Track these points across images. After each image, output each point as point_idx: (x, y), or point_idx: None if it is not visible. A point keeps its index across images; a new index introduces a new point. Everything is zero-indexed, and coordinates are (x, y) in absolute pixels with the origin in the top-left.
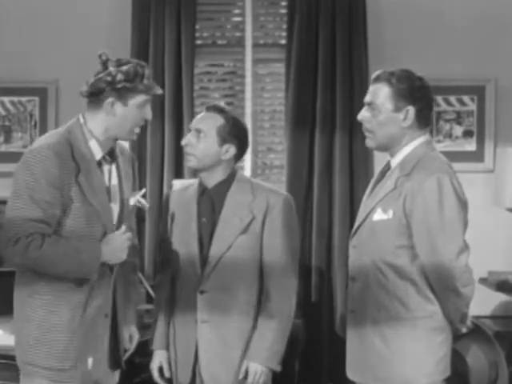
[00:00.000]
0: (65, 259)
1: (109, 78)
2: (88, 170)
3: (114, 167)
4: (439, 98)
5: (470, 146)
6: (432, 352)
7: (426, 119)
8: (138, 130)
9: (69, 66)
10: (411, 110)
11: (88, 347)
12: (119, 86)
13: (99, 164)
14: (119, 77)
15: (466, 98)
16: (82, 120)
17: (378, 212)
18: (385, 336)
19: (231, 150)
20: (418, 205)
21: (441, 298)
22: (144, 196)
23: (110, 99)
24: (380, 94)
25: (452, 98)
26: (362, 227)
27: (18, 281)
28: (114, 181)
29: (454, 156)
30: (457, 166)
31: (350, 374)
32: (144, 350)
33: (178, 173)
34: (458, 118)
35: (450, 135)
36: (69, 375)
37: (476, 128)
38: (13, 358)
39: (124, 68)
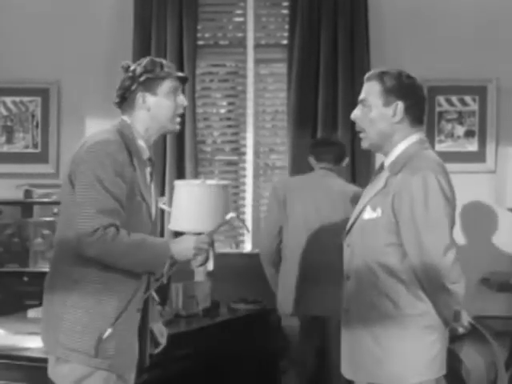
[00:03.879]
0: (137, 252)
1: (130, 74)
2: (142, 170)
3: (149, 168)
4: (441, 98)
5: (472, 146)
6: (423, 351)
7: (416, 117)
8: (178, 120)
9: (70, 66)
10: (400, 104)
11: (125, 340)
12: (142, 78)
13: (144, 163)
14: (139, 70)
15: (467, 98)
16: (128, 120)
17: (367, 211)
18: (376, 334)
19: None
20: (404, 203)
21: (430, 295)
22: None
23: (139, 93)
24: (371, 91)
25: (454, 98)
26: (354, 226)
27: (61, 265)
28: (150, 182)
29: (455, 156)
30: (458, 166)
31: (345, 372)
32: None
33: (180, 173)
34: (460, 118)
35: (451, 135)
36: (108, 363)
37: (478, 128)
38: (14, 357)
39: (142, 62)
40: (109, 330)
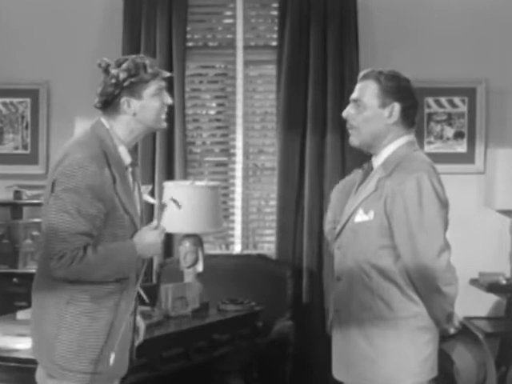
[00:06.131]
0: (105, 264)
1: (114, 81)
2: (122, 178)
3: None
4: (430, 100)
5: (461, 147)
6: (416, 352)
7: (410, 120)
8: (164, 117)
9: (60, 67)
10: (396, 106)
11: (120, 347)
12: (126, 83)
13: (126, 168)
14: (122, 75)
15: (456, 100)
16: (107, 125)
17: (359, 213)
18: (369, 336)
19: None
20: (398, 205)
21: (424, 297)
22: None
23: (124, 99)
24: (367, 90)
25: (443, 100)
26: (345, 229)
27: (49, 287)
28: (133, 183)
29: (444, 157)
30: (448, 167)
31: (336, 373)
32: (137, 351)
33: (169, 174)
34: (449, 120)
35: (440, 137)
36: (106, 377)
37: (467, 129)
38: (3, 359)
39: (124, 66)
40: (112, 356)
